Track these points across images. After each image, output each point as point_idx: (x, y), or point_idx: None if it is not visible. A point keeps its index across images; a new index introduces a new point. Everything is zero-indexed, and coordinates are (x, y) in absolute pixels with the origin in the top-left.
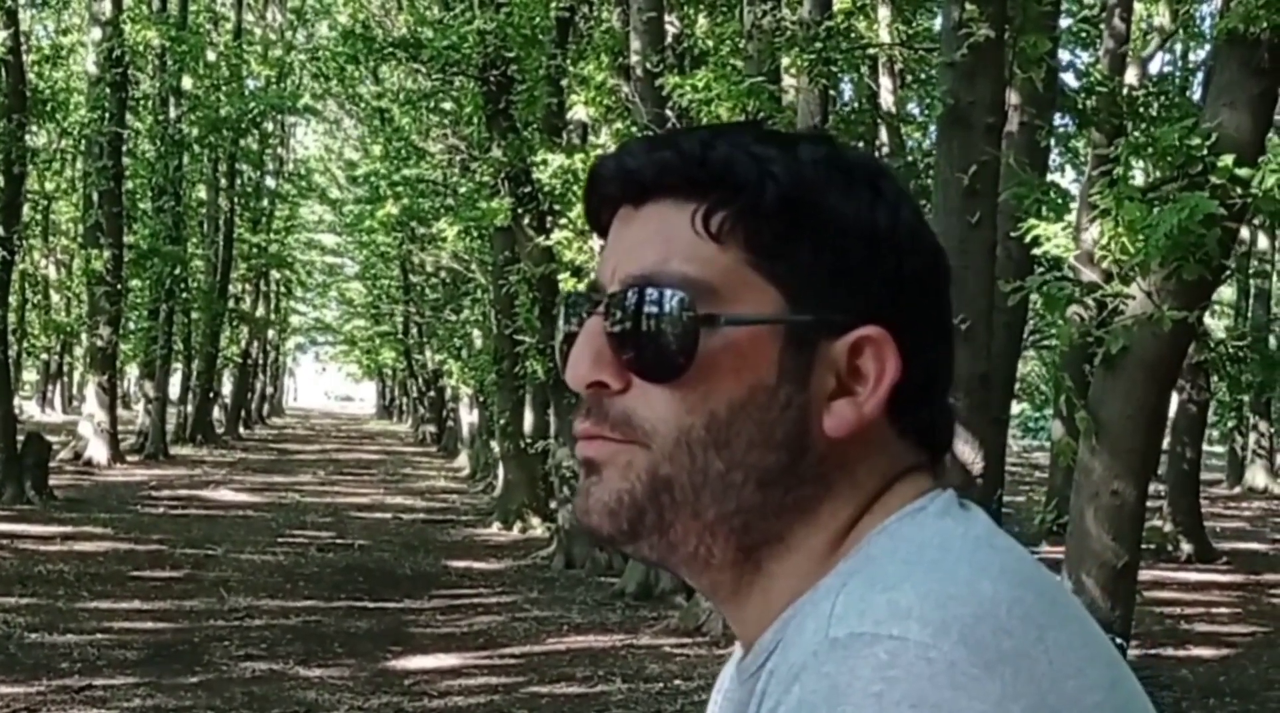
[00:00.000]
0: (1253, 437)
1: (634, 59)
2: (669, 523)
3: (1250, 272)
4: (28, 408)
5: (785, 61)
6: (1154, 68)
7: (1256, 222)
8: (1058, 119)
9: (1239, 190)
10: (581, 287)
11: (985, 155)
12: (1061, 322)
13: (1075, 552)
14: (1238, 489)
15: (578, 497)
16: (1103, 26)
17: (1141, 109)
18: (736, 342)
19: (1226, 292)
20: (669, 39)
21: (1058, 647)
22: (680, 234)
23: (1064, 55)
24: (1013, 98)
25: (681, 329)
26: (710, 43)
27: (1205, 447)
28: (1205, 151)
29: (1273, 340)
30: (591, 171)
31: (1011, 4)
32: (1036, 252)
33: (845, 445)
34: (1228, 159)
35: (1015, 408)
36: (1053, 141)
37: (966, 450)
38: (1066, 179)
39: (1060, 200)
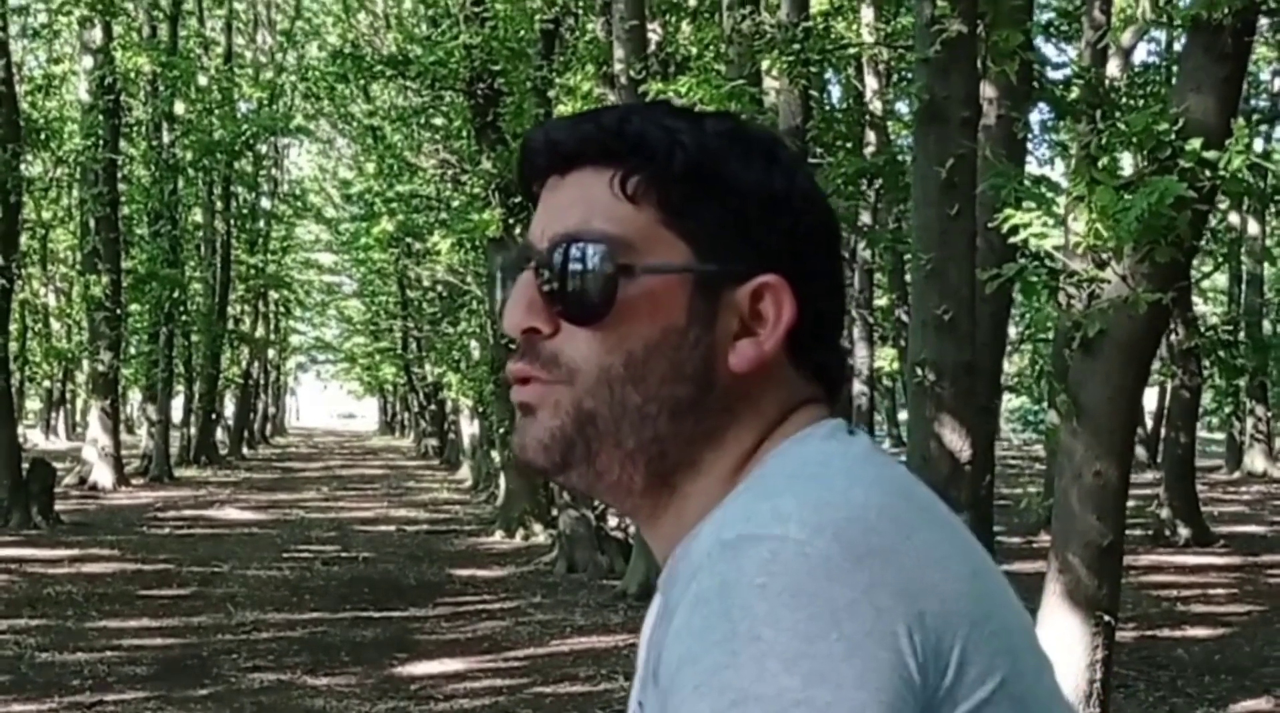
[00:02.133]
0: (1250, 421)
1: (618, 68)
2: (595, 453)
3: (1243, 253)
4: (32, 436)
5: (765, 64)
6: (1140, 58)
7: (1245, 207)
8: (1043, 111)
9: (1207, 173)
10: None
11: (962, 148)
12: (1053, 309)
13: (1061, 533)
14: (1237, 474)
15: (514, 436)
16: (1083, 18)
17: (1125, 99)
18: (651, 289)
19: (1220, 278)
20: (652, 46)
21: (923, 544)
22: (600, 197)
23: (1048, 50)
24: (990, 91)
25: (602, 279)
26: (694, 49)
27: (1205, 433)
28: (1173, 136)
29: (1266, 325)
30: (523, 145)
31: None
32: (1014, 240)
33: (748, 380)
34: (1195, 143)
35: (1014, 402)
36: (1044, 135)
37: (954, 439)
38: (1056, 172)
39: (1041, 190)
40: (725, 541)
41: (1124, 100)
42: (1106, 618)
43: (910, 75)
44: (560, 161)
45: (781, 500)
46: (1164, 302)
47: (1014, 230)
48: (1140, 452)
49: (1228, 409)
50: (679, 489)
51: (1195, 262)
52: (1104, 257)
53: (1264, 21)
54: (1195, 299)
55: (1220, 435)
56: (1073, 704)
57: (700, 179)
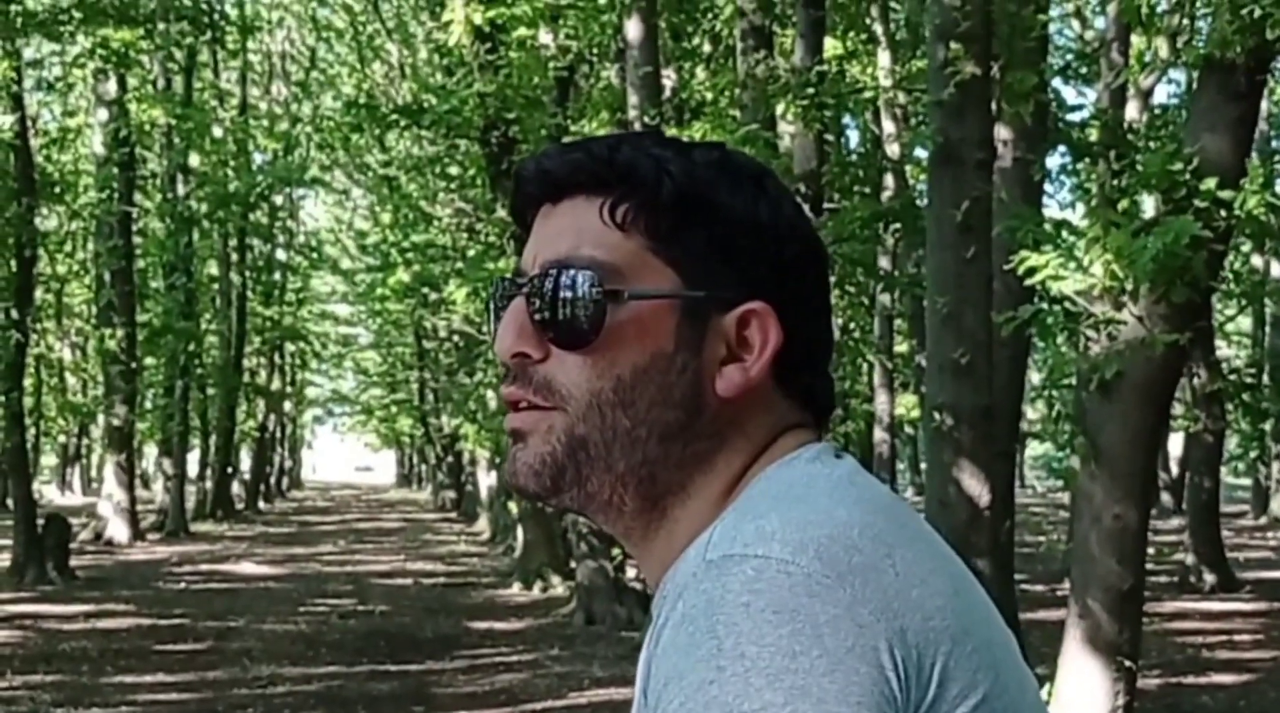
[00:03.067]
0: (1276, 466)
1: (632, 114)
2: (586, 476)
3: (1266, 295)
4: (47, 492)
5: (780, 108)
6: (1160, 99)
7: (1267, 248)
8: (1063, 154)
9: (1223, 212)
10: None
11: (977, 191)
12: (1071, 351)
13: (1080, 577)
14: (1263, 519)
15: (507, 462)
16: (1102, 60)
17: (1144, 141)
18: (639, 315)
19: (1245, 321)
20: (667, 92)
21: (904, 562)
22: (590, 224)
23: (1068, 93)
24: (1006, 134)
25: (591, 304)
26: (709, 94)
27: (1231, 479)
28: (1188, 176)
29: None
30: (516, 174)
31: (997, 41)
32: (1029, 282)
33: (736, 405)
34: (1210, 182)
35: (1039, 449)
36: (1065, 177)
37: (972, 484)
38: (1077, 215)
39: (1061, 233)
40: (711, 560)
41: (1143, 142)
42: (1128, 663)
43: (927, 119)
44: (552, 190)
45: (765, 521)
46: (1181, 342)
47: (1030, 272)
48: (1165, 498)
49: (1253, 454)
50: (669, 512)
51: (1219, 305)
52: (1121, 298)
53: None
54: (1219, 343)
55: (1247, 481)
56: None
57: (688, 207)
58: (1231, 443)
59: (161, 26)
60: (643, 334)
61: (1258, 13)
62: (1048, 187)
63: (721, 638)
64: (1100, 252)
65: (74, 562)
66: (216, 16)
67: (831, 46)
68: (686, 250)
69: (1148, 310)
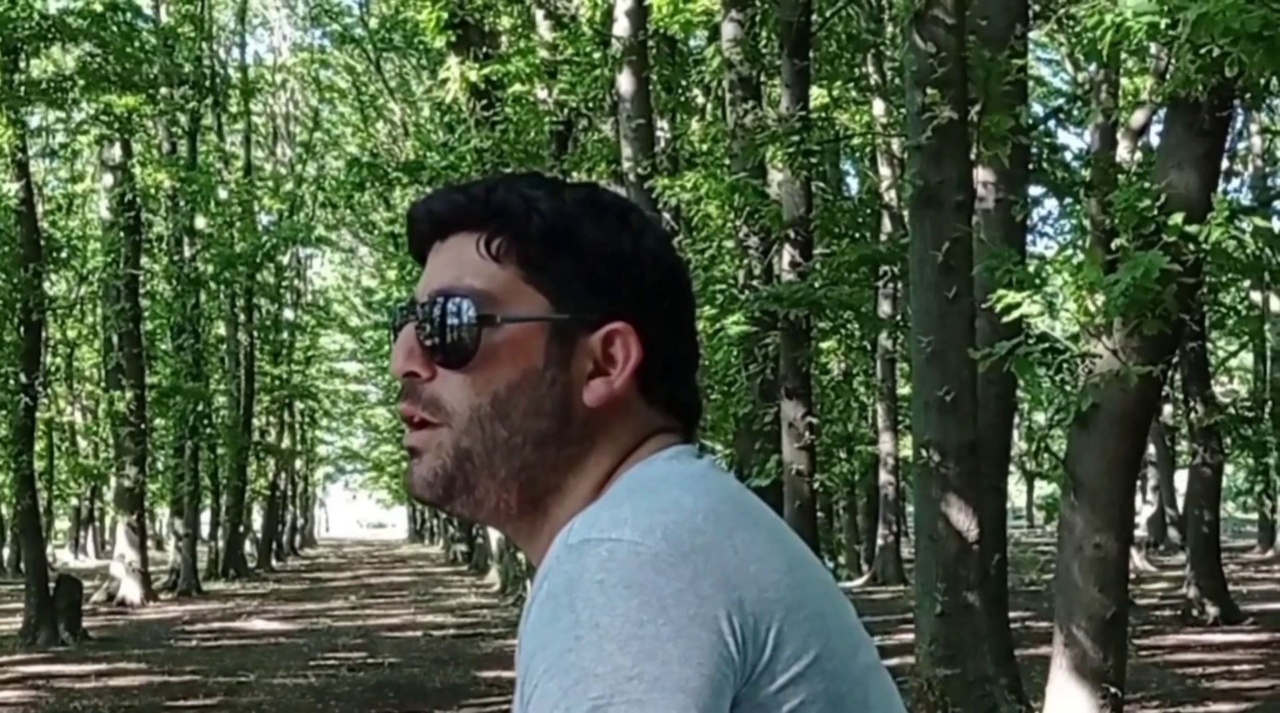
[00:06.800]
0: None
1: (625, 165)
2: (473, 484)
3: (1266, 330)
4: (61, 556)
5: (768, 155)
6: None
7: (1266, 283)
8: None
9: (1190, 246)
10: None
11: (957, 232)
12: (1056, 387)
13: (1064, 606)
14: (1270, 553)
15: (406, 476)
16: (1093, 102)
17: (1134, 180)
18: (513, 336)
19: (1246, 357)
20: (660, 144)
21: (743, 542)
22: (470, 257)
23: (1064, 136)
24: (988, 175)
25: (469, 327)
26: (704, 145)
27: (1240, 514)
28: (1156, 212)
29: None
30: (408, 216)
31: (974, 86)
32: (1007, 319)
33: (603, 413)
34: (1178, 218)
35: (1048, 489)
36: (1062, 221)
37: (961, 519)
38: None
39: (1037, 272)
40: (571, 544)
41: (1130, 180)
42: (1114, 690)
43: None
44: (440, 228)
45: (619, 509)
46: (1154, 374)
47: (1008, 310)
48: (1173, 533)
49: (1257, 488)
50: (549, 511)
51: (1221, 341)
52: (1089, 330)
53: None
54: (1223, 379)
55: (1255, 515)
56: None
57: (555, 240)
58: (1239, 478)
59: (164, 91)
60: (516, 353)
61: (1216, 52)
62: (1045, 228)
63: (579, 611)
64: (1073, 287)
65: (86, 622)
66: (219, 80)
67: (817, 95)
68: (554, 278)
69: (1121, 343)
